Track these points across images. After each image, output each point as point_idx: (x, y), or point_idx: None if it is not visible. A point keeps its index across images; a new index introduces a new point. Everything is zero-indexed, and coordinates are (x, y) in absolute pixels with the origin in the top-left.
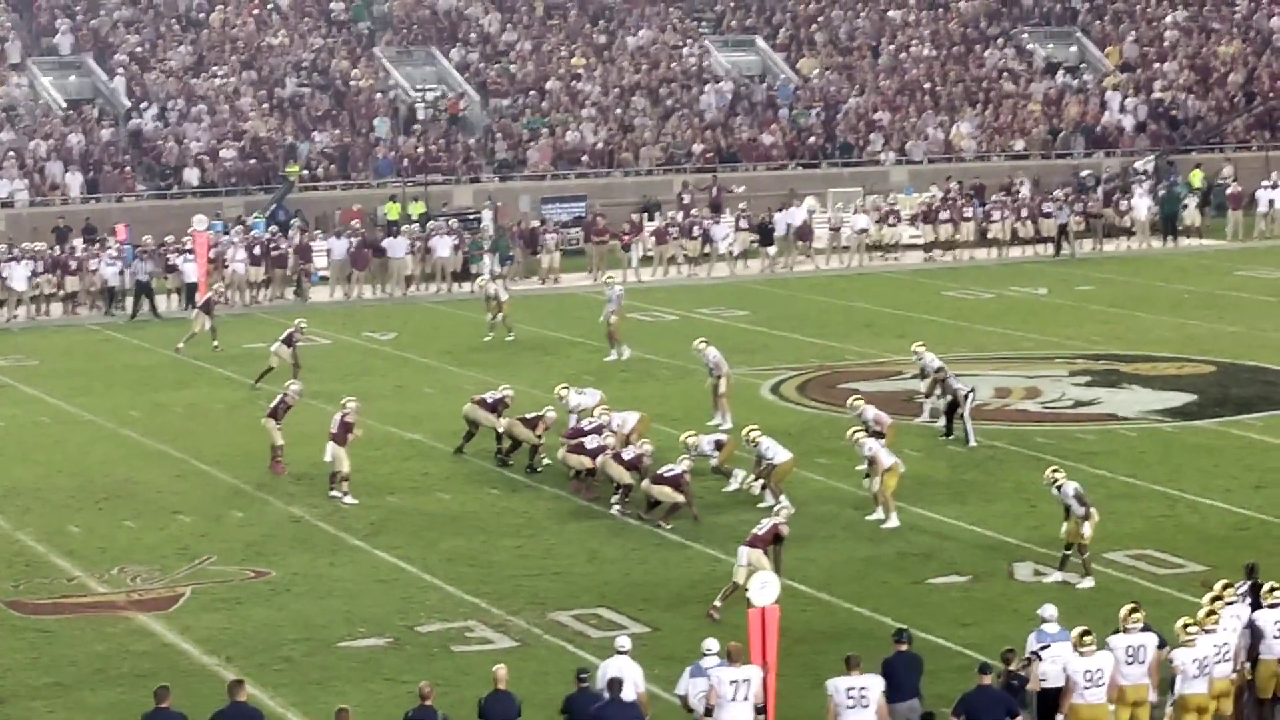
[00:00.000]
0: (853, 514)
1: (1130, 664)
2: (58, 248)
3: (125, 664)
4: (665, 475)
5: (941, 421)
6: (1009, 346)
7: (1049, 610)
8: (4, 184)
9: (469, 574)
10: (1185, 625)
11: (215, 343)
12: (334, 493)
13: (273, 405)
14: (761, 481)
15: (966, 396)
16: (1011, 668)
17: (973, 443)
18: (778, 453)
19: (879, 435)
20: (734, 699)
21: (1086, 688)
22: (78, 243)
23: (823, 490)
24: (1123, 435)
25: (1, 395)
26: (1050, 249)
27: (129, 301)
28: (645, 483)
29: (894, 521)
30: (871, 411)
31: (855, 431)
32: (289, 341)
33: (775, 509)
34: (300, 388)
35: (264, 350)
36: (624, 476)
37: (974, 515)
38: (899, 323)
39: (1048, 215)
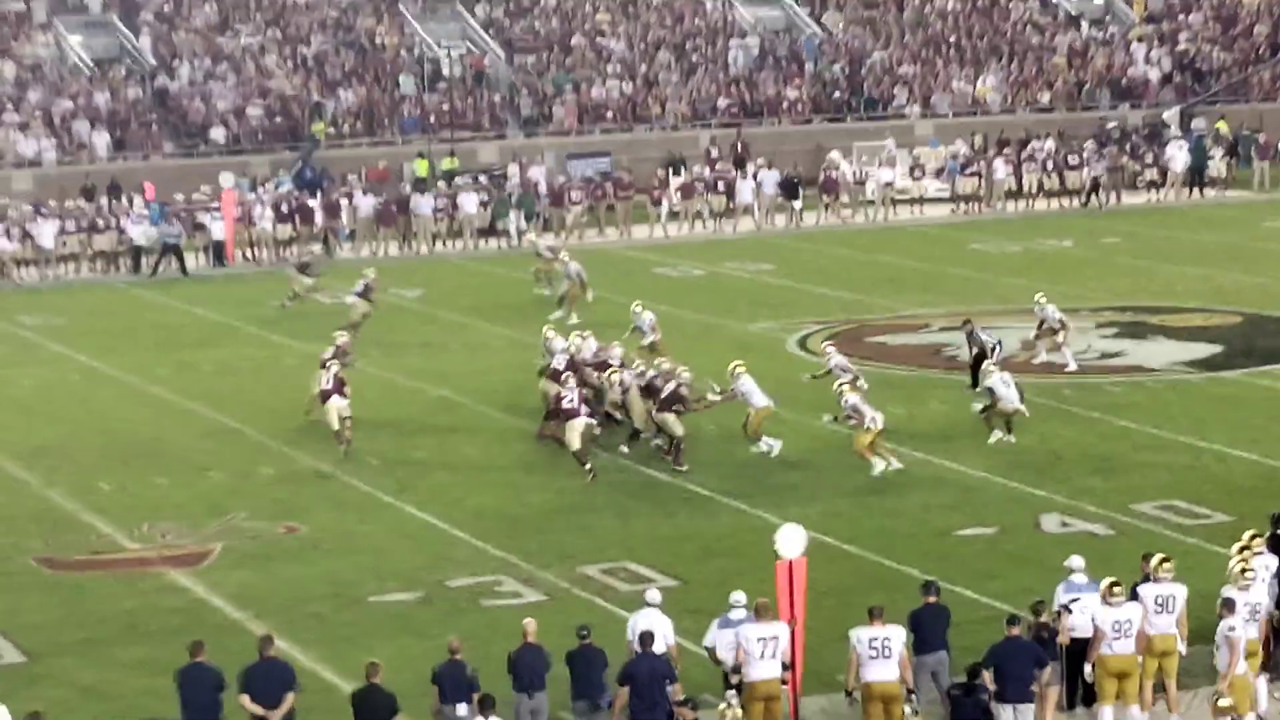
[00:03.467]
0: (863, 470)
1: (1159, 613)
2: (85, 205)
3: (156, 620)
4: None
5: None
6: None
7: (1076, 561)
8: (31, 143)
9: (497, 529)
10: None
11: (287, 302)
12: (343, 446)
13: (328, 380)
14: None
15: (993, 349)
16: (1041, 619)
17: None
18: (757, 397)
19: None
20: (762, 656)
21: (1115, 638)
22: (104, 201)
23: (848, 442)
24: (1149, 387)
25: (30, 354)
26: (1077, 201)
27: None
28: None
29: (879, 468)
30: (837, 359)
31: (841, 385)
32: (365, 294)
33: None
34: (346, 341)
35: (289, 308)
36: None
37: (999, 467)
38: (925, 276)
39: (1073, 168)
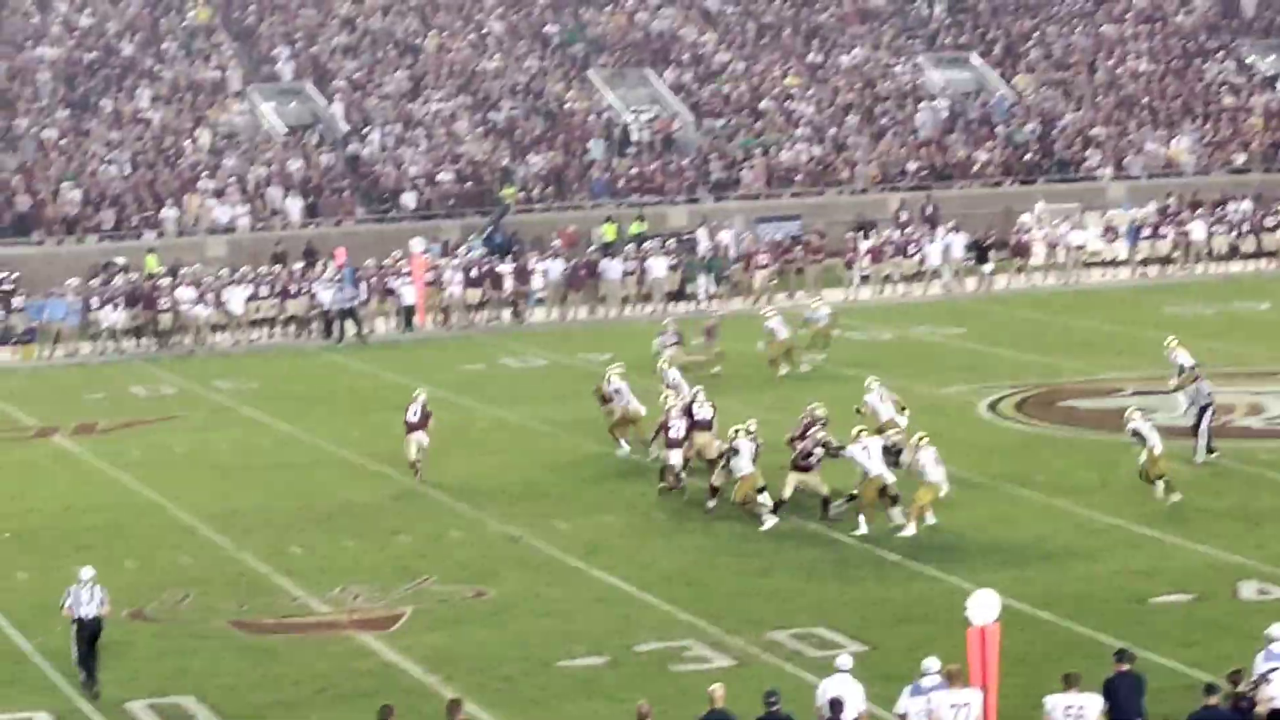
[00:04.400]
0: (1072, 532)
1: None
2: (278, 270)
3: (347, 683)
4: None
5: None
6: (1232, 362)
7: (1276, 630)
8: (226, 209)
9: (685, 593)
10: None
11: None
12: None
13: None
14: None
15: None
16: (1239, 689)
17: (1199, 457)
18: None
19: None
20: None
21: None
22: (297, 266)
23: (1042, 508)
24: None
25: (223, 418)
26: (1275, 263)
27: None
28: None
29: (911, 530)
30: (875, 396)
31: (922, 438)
32: (710, 334)
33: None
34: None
35: (478, 372)
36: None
37: (1196, 533)
38: (1118, 340)
39: (1270, 230)
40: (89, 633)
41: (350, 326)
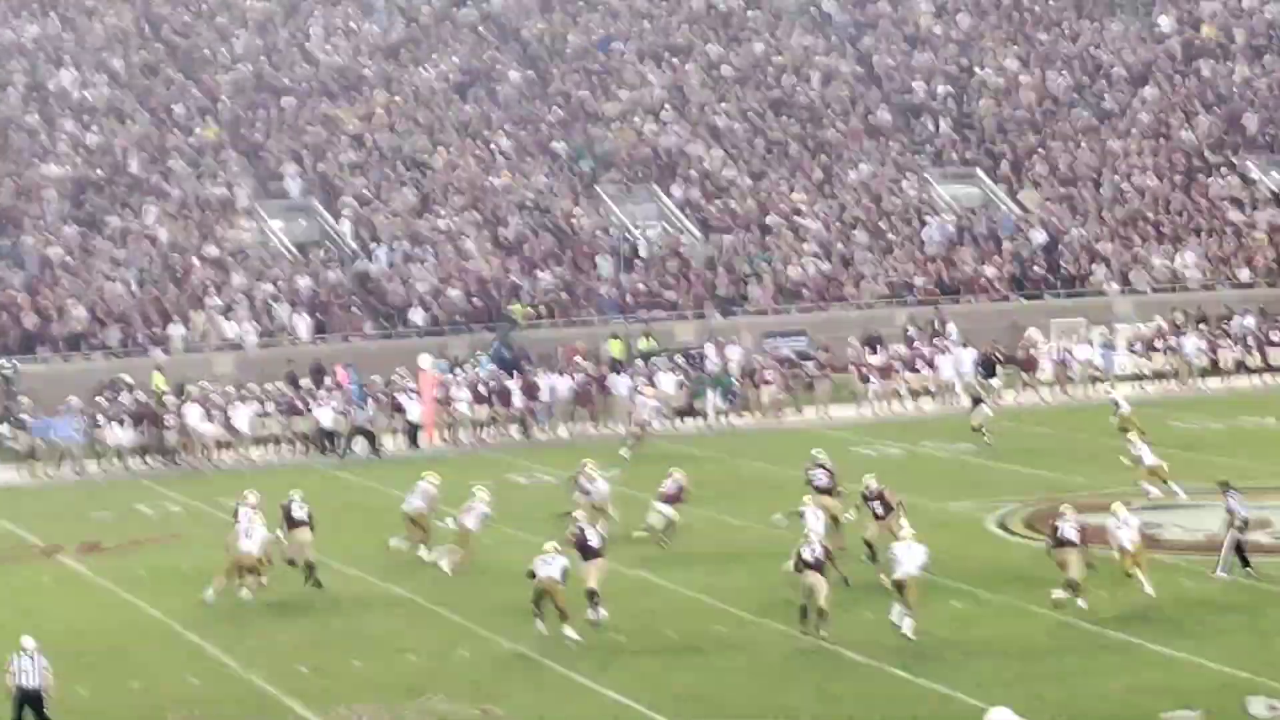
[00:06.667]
0: (1083, 648)
1: None
2: (284, 388)
3: None
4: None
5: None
6: (1240, 477)
7: None
8: (233, 326)
9: (697, 710)
10: None
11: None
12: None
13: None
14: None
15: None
16: None
17: (1218, 572)
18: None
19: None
20: None
21: None
22: (304, 383)
23: (1053, 625)
24: None
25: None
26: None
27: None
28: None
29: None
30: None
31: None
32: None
33: None
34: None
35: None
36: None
37: (1205, 649)
38: (1124, 453)
39: (1275, 344)
40: (29, 701)
41: (360, 444)
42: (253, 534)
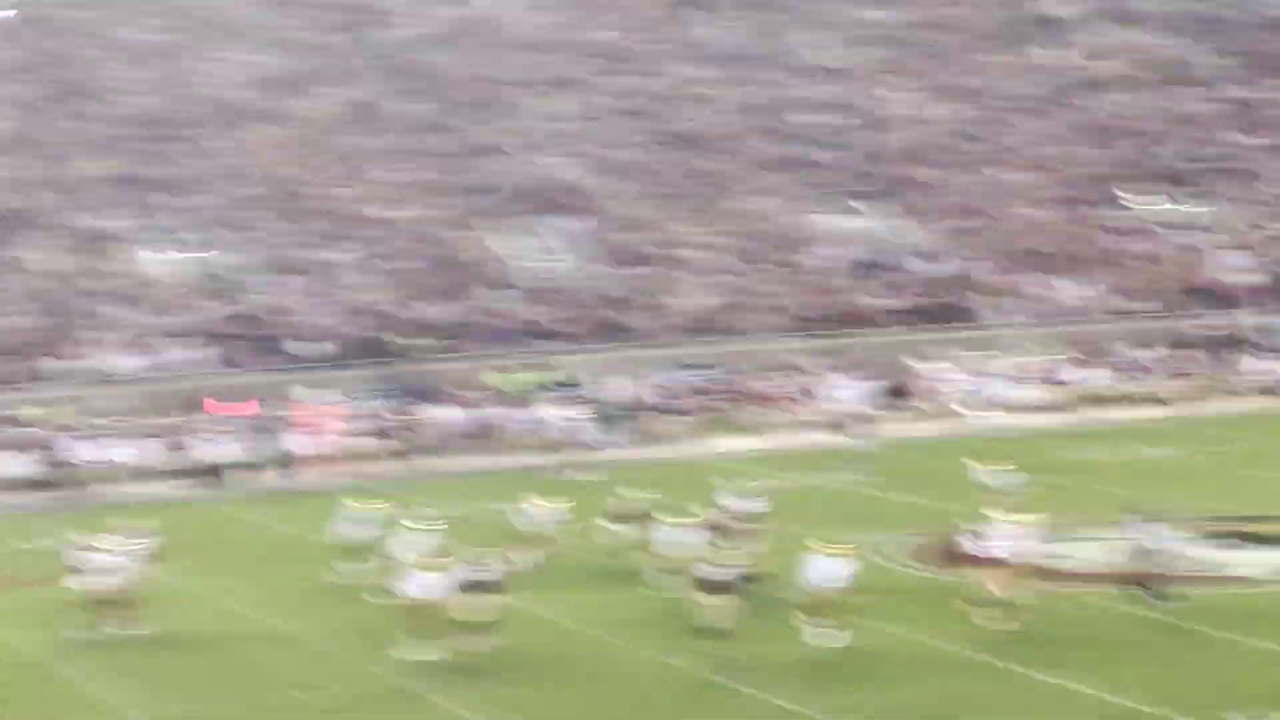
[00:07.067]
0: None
1: None
2: (167, 422)
3: None
4: None
5: None
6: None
7: None
8: (115, 359)
9: None
10: None
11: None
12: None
13: None
14: None
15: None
16: None
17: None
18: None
19: None
20: None
21: None
22: (185, 418)
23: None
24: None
25: None
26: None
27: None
28: None
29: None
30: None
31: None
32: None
33: None
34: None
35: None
36: None
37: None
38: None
39: (1180, 375)
40: None
41: (237, 476)
42: (115, 569)
